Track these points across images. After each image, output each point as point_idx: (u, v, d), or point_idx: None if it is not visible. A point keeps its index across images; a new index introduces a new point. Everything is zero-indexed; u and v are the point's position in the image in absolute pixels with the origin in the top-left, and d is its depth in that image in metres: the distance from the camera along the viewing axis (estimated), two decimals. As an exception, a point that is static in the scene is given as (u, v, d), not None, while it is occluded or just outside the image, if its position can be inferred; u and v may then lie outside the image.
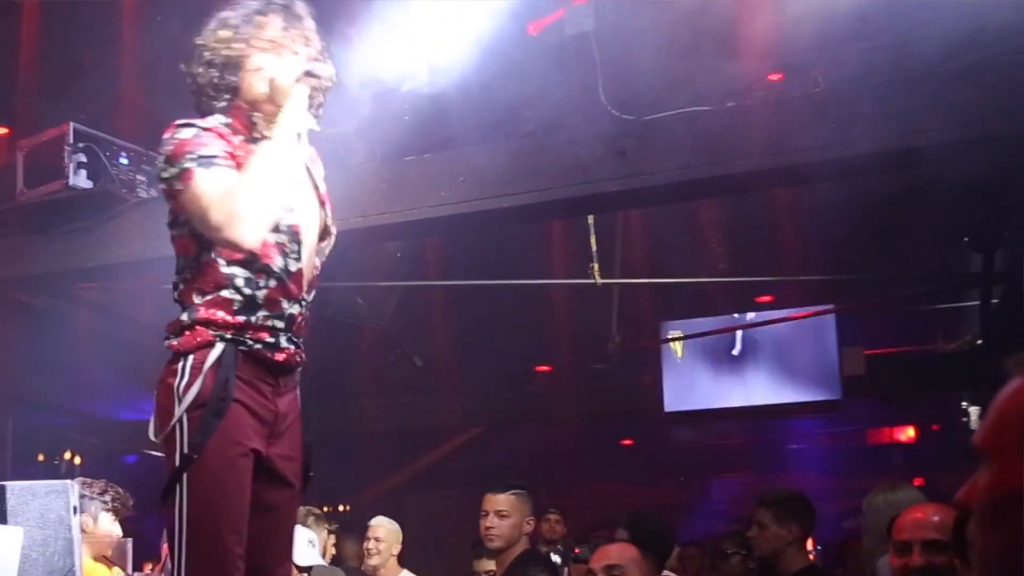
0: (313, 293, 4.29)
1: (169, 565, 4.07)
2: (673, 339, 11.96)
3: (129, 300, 9.84)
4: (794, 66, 7.63)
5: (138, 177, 8.90)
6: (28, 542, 5.56)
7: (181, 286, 4.08)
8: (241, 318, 3.97)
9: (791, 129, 7.18)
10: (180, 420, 3.87)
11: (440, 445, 15.45)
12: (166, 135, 4.02)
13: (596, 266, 9.23)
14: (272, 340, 4.01)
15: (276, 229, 4.00)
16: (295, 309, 4.10)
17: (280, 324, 4.04)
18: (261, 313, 4.00)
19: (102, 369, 10.77)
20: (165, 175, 3.97)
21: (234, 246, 3.86)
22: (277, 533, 4.21)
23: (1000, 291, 9.40)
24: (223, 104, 4.17)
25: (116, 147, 8.85)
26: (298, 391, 4.24)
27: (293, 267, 4.07)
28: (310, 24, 4.28)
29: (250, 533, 3.97)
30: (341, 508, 14.72)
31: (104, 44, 9.65)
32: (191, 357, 3.92)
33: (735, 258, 11.42)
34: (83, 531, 6.70)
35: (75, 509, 6.04)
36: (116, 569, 6.72)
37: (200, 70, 4.16)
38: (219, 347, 3.92)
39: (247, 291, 3.98)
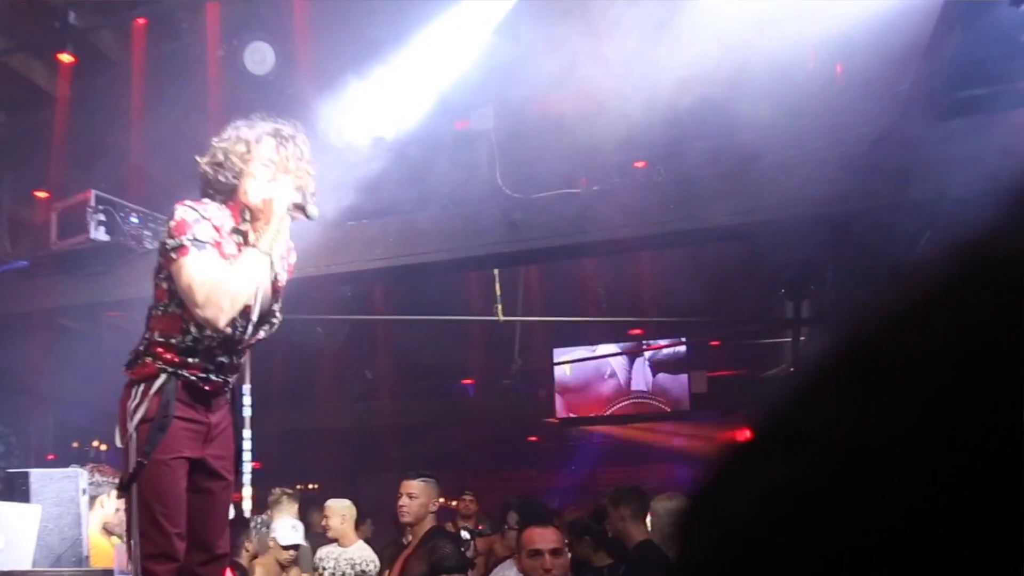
0: (247, 352, 4.41)
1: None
2: (562, 362, 12.13)
3: (139, 323, 9.93)
4: (650, 157, 7.80)
5: (144, 232, 8.98)
6: (45, 516, 5.64)
7: (149, 321, 4.16)
8: (179, 358, 4.06)
9: (642, 207, 7.45)
10: (131, 434, 3.98)
11: (383, 440, 15.51)
12: (175, 209, 4.03)
13: (500, 307, 9.39)
14: (203, 376, 4.10)
15: None
16: (227, 359, 4.20)
17: (211, 367, 4.13)
18: (198, 359, 4.08)
19: (121, 376, 10.74)
20: (166, 243, 4.00)
21: (207, 324, 3.95)
22: (214, 512, 4.26)
23: (806, 331, 9.63)
24: (221, 197, 4.17)
25: (128, 209, 8.93)
26: (228, 407, 4.32)
27: (237, 335, 4.13)
28: (305, 153, 4.30)
29: (192, 513, 4.09)
30: (311, 487, 14.73)
31: (120, 129, 9.64)
32: (141, 385, 4.03)
33: (612, 301, 11.58)
34: (100, 508, 6.85)
35: (83, 491, 6.16)
36: (114, 537, 6.78)
37: (209, 167, 4.17)
38: (162, 377, 4.01)
39: (191, 344, 4.07)
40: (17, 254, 9.93)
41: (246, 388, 10.14)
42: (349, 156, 7.70)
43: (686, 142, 7.40)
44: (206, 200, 4.18)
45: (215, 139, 4.27)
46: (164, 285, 4.12)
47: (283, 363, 13.64)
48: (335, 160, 7.71)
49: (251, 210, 4.18)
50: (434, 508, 6.88)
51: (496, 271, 9.19)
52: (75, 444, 12.85)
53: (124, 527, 6.90)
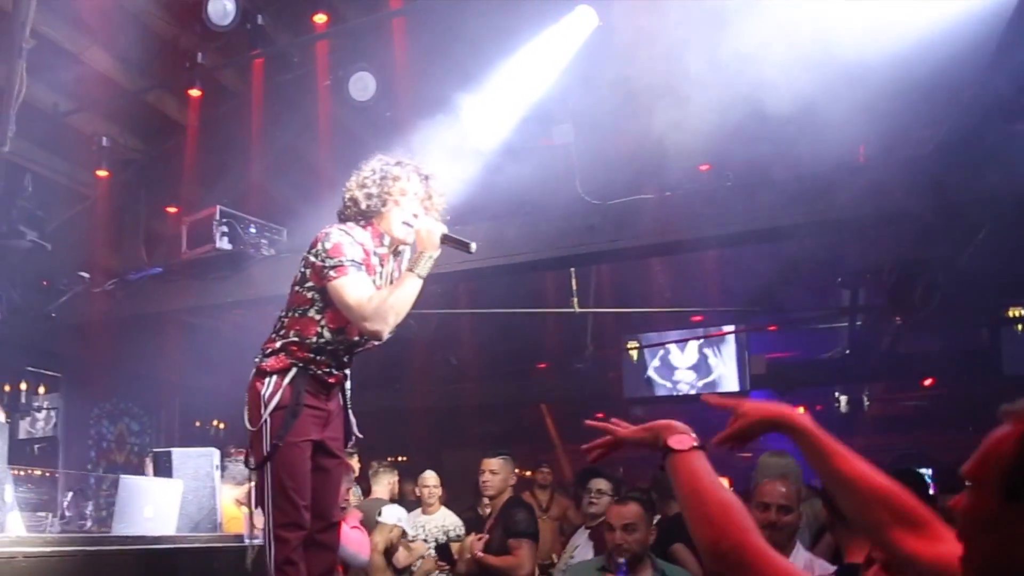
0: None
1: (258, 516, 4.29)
2: (630, 348, 11.99)
3: (256, 320, 9.98)
4: (716, 162, 7.65)
5: (262, 240, 9.04)
6: (185, 489, 5.71)
7: (285, 321, 4.18)
8: (309, 355, 4.11)
9: (708, 209, 7.29)
10: (266, 419, 4.03)
11: (466, 418, 15.50)
12: (328, 232, 4.07)
13: (575, 300, 9.34)
14: (328, 371, 4.17)
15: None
16: (348, 359, 4.27)
17: (334, 364, 4.19)
18: (325, 358, 4.14)
19: (239, 363, 10.93)
20: (326, 262, 3.99)
21: (373, 335, 3.99)
22: (330, 487, 4.32)
23: (860, 318, 9.44)
24: (363, 222, 4.18)
25: (247, 221, 8.98)
26: (340, 396, 4.36)
27: (361, 342, 4.20)
28: (442, 191, 4.36)
29: (314, 488, 4.15)
30: (400, 459, 14.72)
31: (240, 152, 9.77)
32: (275, 376, 4.08)
33: (676, 291, 11.46)
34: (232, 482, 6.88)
35: (217, 467, 6.21)
36: (243, 508, 6.82)
37: (358, 192, 4.17)
38: (294, 371, 4.09)
39: (322, 345, 4.11)
40: (152, 263, 10.05)
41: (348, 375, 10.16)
42: (445, 169, 7.64)
43: (751, 145, 7.11)
44: (351, 224, 4.20)
45: (364, 170, 4.26)
46: (308, 295, 4.14)
47: (379, 351, 13.59)
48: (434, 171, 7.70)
49: (390, 234, 4.21)
50: (512, 482, 6.87)
51: (572, 270, 9.10)
52: (197, 423, 13.07)
53: (252, 498, 6.94)
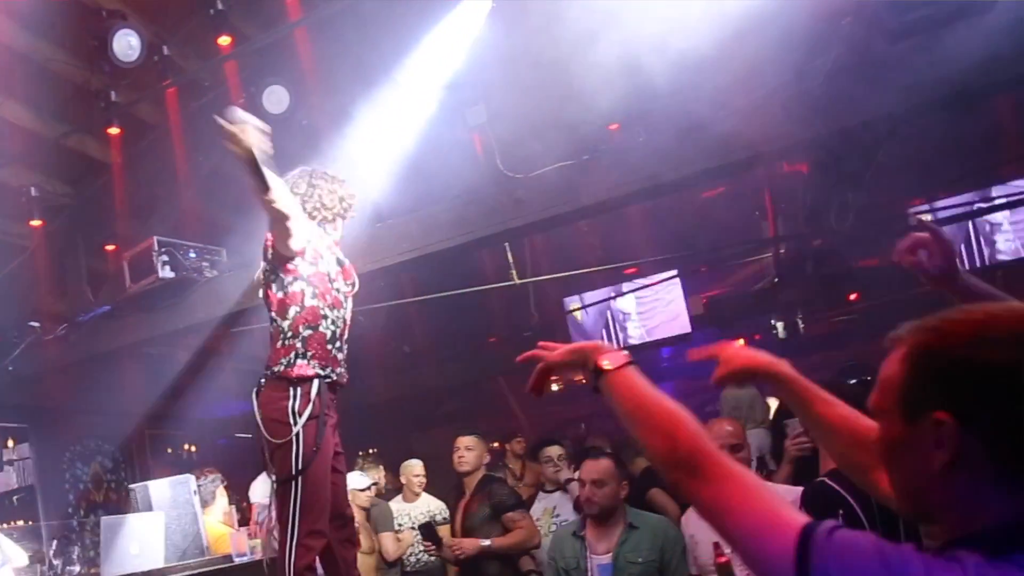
0: None
1: (274, 528, 4.25)
2: (573, 309, 11.98)
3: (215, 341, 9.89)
4: (624, 121, 7.59)
5: (203, 263, 8.88)
6: (168, 519, 5.66)
7: (285, 325, 4.18)
8: (325, 350, 4.14)
9: (625, 167, 7.26)
10: (298, 432, 3.97)
11: (428, 402, 15.51)
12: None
13: (514, 272, 9.29)
14: (340, 371, 4.25)
15: (340, 291, 4.28)
16: (345, 350, 4.35)
17: (343, 354, 4.28)
18: (333, 349, 4.20)
19: (198, 386, 10.89)
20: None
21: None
22: (341, 487, 4.36)
23: (783, 247, 9.52)
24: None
25: (186, 247, 8.81)
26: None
27: (346, 317, 4.35)
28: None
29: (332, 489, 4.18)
30: (371, 450, 14.68)
31: (168, 180, 9.66)
32: (299, 387, 4.06)
33: (607, 249, 11.47)
34: (208, 504, 6.77)
35: (195, 492, 6.14)
36: (228, 528, 6.75)
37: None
38: (316, 382, 4.09)
39: (332, 329, 4.18)
40: (99, 302, 9.84)
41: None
42: (366, 169, 7.59)
43: (657, 100, 7.07)
44: None
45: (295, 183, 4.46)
46: (281, 294, 4.22)
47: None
48: (356, 174, 7.62)
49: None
50: (486, 459, 6.85)
51: (507, 244, 9.07)
52: (169, 450, 12.88)
53: (234, 517, 6.86)
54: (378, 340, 13.15)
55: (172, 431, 12.55)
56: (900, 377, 1.49)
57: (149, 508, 5.87)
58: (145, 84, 8.88)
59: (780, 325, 10.85)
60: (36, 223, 9.86)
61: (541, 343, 2.31)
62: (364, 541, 7.00)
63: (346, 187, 4.56)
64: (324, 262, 4.32)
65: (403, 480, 8.30)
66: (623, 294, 11.45)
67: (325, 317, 4.18)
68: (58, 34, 8.54)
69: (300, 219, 4.20)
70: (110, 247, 10.14)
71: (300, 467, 3.96)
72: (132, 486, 6.31)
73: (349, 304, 4.41)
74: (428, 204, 8.03)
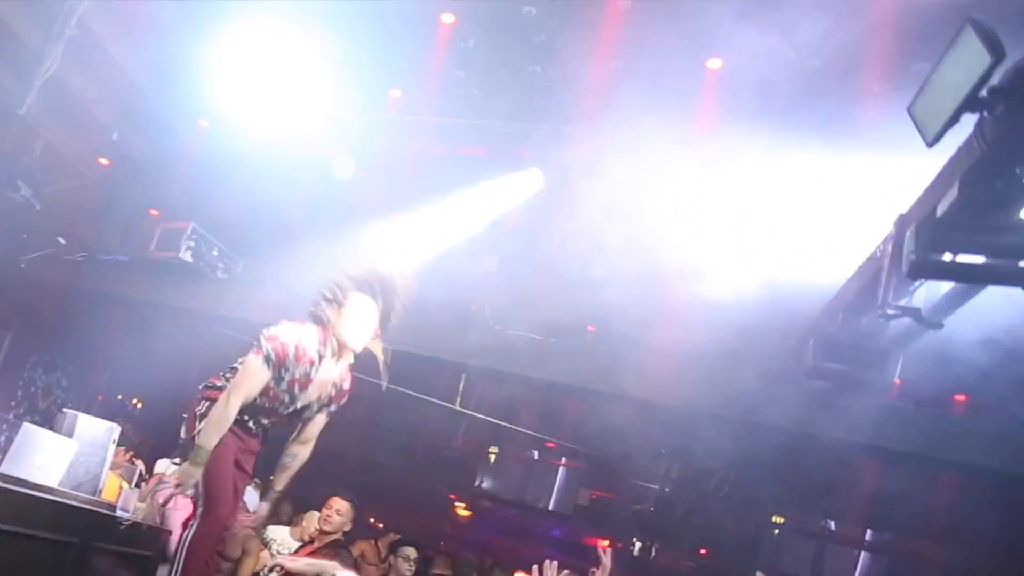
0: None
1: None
2: (490, 452, 12.18)
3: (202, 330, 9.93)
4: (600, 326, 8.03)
5: (219, 265, 9.18)
6: (79, 452, 5.70)
7: (228, 376, 4.42)
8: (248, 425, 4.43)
9: (582, 365, 7.63)
10: (198, 432, 4.24)
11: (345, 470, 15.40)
12: (282, 322, 4.35)
13: (460, 399, 9.59)
14: (253, 428, 4.49)
15: (294, 410, 4.44)
16: (272, 421, 4.51)
17: (261, 422, 4.49)
18: (248, 415, 4.43)
19: (174, 359, 10.75)
20: (259, 338, 4.32)
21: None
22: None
23: (669, 488, 9.81)
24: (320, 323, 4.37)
25: (213, 244, 9.13)
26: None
27: (281, 410, 4.43)
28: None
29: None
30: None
31: (226, 183, 9.72)
32: (209, 404, 4.30)
33: (539, 417, 11.70)
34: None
35: (114, 441, 6.22)
36: (124, 482, 6.81)
37: (319, 299, 4.38)
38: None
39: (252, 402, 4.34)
40: (122, 250, 10.07)
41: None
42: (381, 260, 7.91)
43: (632, 324, 7.48)
44: (309, 322, 4.35)
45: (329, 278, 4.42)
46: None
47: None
48: (370, 257, 7.95)
49: (338, 341, 4.34)
50: (348, 528, 6.69)
51: (463, 376, 9.38)
52: (119, 397, 12.87)
53: (135, 474, 6.90)
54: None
55: (130, 383, 12.50)
56: None
57: (71, 436, 5.93)
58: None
59: (638, 545, 11.05)
60: (104, 162, 10.19)
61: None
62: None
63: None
64: (283, 384, 4.39)
65: (304, 522, 8.30)
66: (532, 460, 11.68)
67: (253, 416, 4.42)
68: (197, 22, 8.61)
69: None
70: (154, 212, 10.31)
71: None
72: (66, 410, 6.42)
73: (308, 414, 4.56)
74: (418, 311, 8.26)
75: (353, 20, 7.87)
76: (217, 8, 8.44)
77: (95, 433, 6.04)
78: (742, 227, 5.97)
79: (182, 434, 4.32)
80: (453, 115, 8.17)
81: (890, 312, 4.22)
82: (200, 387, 4.42)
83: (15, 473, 5.04)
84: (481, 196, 8.11)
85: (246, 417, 4.36)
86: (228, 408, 4.18)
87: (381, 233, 7.94)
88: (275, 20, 8.27)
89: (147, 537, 5.38)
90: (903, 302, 4.31)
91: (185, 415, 4.40)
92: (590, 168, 6.84)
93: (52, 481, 5.32)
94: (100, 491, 6.05)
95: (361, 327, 4.36)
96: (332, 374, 4.45)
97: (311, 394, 4.41)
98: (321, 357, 4.33)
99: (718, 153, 5.96)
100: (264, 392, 4.30)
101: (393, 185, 8.76)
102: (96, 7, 7.57)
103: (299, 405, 4.42)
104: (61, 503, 4.97)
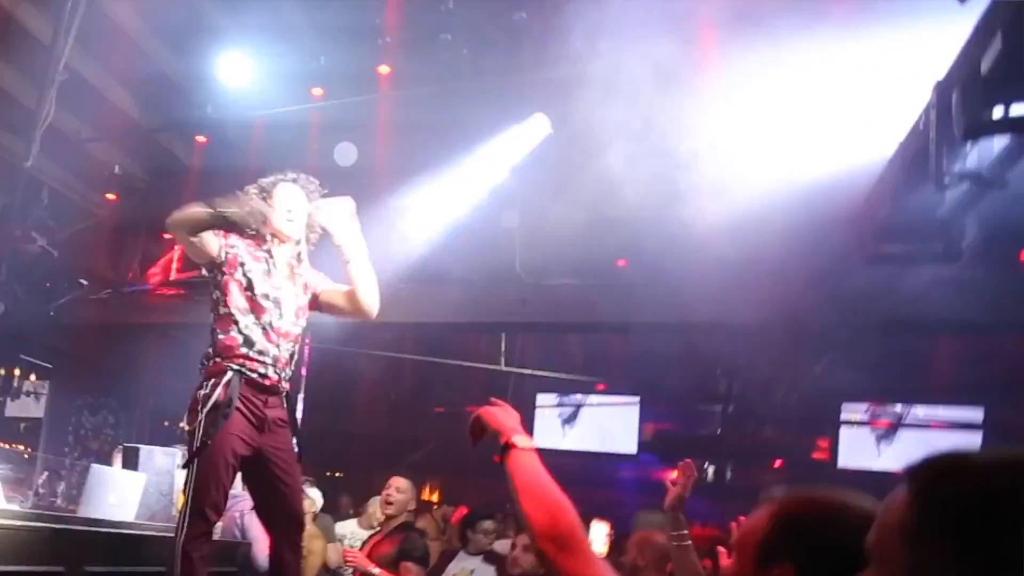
0: (294, 346, 4.17)
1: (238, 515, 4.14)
2: (543, 406, 12.07)
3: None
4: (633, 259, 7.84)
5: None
6: (148, 482, 5.65)
7: (212, 330, 4.08)
8: (244, 351, 3.94)
9: (622, 300, 7.46)
10: (200, 420, 3.86)
11: (400, 446, 15.42)
12: None
13: (503, 359, 9.46)
14: (266, 371, 3.98)
15: (266, 298, 4.03)
16: (276, 352, 4.04)
17: (268, 360, 3.99)
18: (255, 347, 3.96)
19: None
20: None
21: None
22: (291, 485, 4.13)
23: (732, 406, 9.64)
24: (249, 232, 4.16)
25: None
26: (284, 406, 4.11)
27: (276, 323, 4.03)
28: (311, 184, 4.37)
29: (264, 498, 4.08)
30: (336, 474, 14.46)
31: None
32: (212, 379, 3.92)
33: (587, 361, 11.60)
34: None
35: (179, 465, 6.16)
36: None
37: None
38: (229, 374, 3.91)
39: (246, 332, 3.96)
40: (145, 279, 10.01)
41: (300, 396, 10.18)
42: (405, 236, 7.77)
43: (664, 249, 7.25)
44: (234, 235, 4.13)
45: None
46: (213, 294, 4.10)
47: (332, 381, 13.67)
48: (394, 236, 7.81)
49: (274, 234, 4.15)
50: (412, 506, 6.31)
51: (502, 335, 9.24)
52: (166, 423, 12.85)
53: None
54: (372, 382, 13.22)
55: (174, 407, 12.47)
56: (763, 529, 1.61)
57: (135, 468, 5.88)
58: (241, 108, 9.01)
59: (711, 470, 10.93)
60: (111, 197, 10.08)
61: (494, 399, 2.27)
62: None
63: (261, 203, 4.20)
64: (242, 271, 4.08)
65: (369, 509, 8.13)
66: (590, 405, 11.55)
67: (236, 323, 3.97)
68: (179, 42, 8.72)
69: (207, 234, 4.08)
70: (168, 235, 10.17)
71: (195, 450, 3.83)
72: (126, 444, 6.34)
73: (287, 309, 4.12)
74: (447, 282, 8.20)
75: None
76: (199, 24, 8.43)
77: (159, 461, 6.03)
78: (764, 130, 5.70)
79: (184, 423, 4.02)
80: (447, 80, 7.97)
81: (947, 181, 4.01)
82: (199, 368, 4.08)
83: (93, 515, 5.00)
84: (490, 155, 7.90)
85: (249, 351, 3.98)
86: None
87: (397, 211, 7.74)
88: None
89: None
90: (957, 169, 4.09)
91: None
92: (594, 103, 6.59)
93: (129, 516, 5.28)
94: (175, 516, 6.00)
95: (292, 211, 4.20)
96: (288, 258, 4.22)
97: (278, 281, 4.13)
98: (269, 252, 4.15)
99: (728, 57, 5.68)
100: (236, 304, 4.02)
101: (400, 163, 8.61)
102: (79, 48, 7.48)
103: (273, 294, 4.09)
104: (143, 536, 4.93)
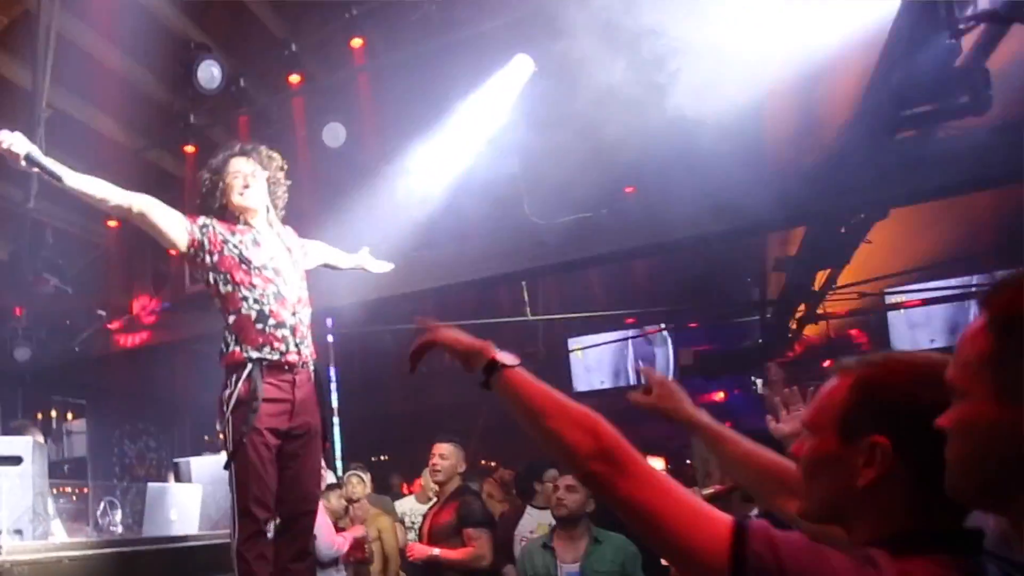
0: (307, 311, 4.00)
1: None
2: (576, 349, 11.97)
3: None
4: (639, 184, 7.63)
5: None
6: (204, 492, 5.60)
7: (222, 315, 3.87)
8: (255, 329, 3.76)
9: (636, 225, 7.28)
10: (228, 419, 3.70)
11: (439, 417, 15.40)
12: None
13: (528, 308, 9.31)
14: (286, 347, 3.80)
15: (265, 268, 3.86)
16: (293, 320, 3.87)
17: (286, 331, 3.82)
18: (270, 322, 3.78)
19: None
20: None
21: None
22: (306, 467, 3.97)
23: (770, 311, 9.46)
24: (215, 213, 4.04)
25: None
26: (313, 382, 3.95)
27: (284, 292, 3.86)
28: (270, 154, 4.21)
29: (285, 477, 3.86)
30: (382, 458, 14.49)
31: None
32: (235, 373, 3.73)
33: (610, 298, 11.46)
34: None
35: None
36: None
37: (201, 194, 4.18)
38: (248, 366, 3.73)
39: (257, 307, 3.77)
40: (160, 299, 9.95)
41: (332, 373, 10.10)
42: (409, 204, 7.62)
43: (673, 167, 7.06)
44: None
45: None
46: (209, 277, 3.92)
47: (362, 363, 13.60)
48: (399, 206, 7.65)
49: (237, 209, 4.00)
50: (462, 468, 6.05)
51: (524, 283, 9.09)
52: (206, 438, 12.91)
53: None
54: (401, 358, 13.09)
55: (212, 421, 12.50)
56: (843, 401, 1.52)
57: (189, 480, 5.83)
58: (221, 110, 9.01)
59: (760, 382, 10.79)
60: (112, 224, 9.94)
61: (418, 318, 2.00)
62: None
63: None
64: (230, 246, 3.90)
65: (422, 482, 8.01)
66: (622, 341, 11.42)
67: (245, 299, 3.78)
68: (150, 59, 8.69)
69: (164, 214, 3.97)
70: (174, 251, 10.09)
71: (230, 452, 3.71)
72: (177, 460, 6.27)
73: (288, 275, 3.95)
74: (459, 241, 8.07)
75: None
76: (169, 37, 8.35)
77: (212, 470, 5.95)
78: (754, 13, 5.43)
79: (217, 426, 3.79)
80: (422, 41, 7.83)
81: (962, 27, 3.78)
82: (217, 357, 3.88)
83: (156, 533, 4.97)
84: (480, 106, 7.70)
85: (265, 327, 3.79)
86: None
87: (396, 181, 7.58)
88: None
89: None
90: (969, 12, 3.86)
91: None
92: (573, 27, 6.36)
93: (192, 528, 5.24)
94: (238, 522, 5.96)
95: (250, 185, 4.01)
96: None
97: (271, 251, 3.97)
98: (248, 224, 4.00)
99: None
100: (237, 280, 3.85)
101: (390, 133, 8.46)
102: (58, 87, 7.46)
103: (271, 264, 3.91)
104: (209, 545, 4.86)
